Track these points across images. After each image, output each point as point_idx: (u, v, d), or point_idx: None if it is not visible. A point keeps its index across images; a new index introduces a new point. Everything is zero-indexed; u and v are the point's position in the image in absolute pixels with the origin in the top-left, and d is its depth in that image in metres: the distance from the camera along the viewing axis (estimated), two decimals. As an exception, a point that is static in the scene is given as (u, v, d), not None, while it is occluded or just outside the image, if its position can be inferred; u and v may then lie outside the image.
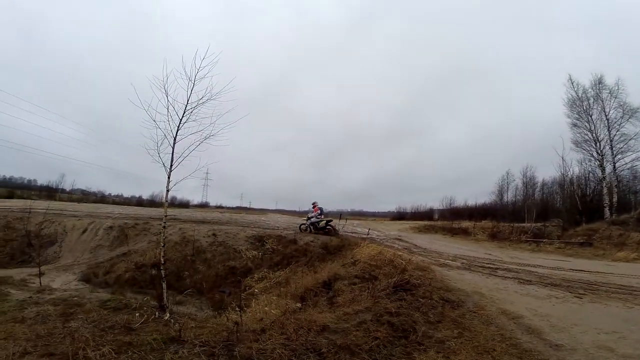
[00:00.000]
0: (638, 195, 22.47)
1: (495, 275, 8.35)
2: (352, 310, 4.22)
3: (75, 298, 5.70)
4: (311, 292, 6.27)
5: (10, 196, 30.21)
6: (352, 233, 15.15)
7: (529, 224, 20.86)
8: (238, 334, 3.56)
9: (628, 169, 20.88)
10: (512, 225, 19.93)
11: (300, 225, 15.06)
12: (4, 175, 46.55)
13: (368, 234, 14.70)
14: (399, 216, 44.59)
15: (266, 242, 11.10)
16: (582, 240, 15.33)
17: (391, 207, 54.34)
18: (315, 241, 11.30)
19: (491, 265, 9.80)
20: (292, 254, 10.30)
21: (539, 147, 48.09)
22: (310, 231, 13.84)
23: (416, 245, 13.81)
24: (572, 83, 21.97)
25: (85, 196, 45.11)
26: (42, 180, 46.36)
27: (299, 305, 5.57)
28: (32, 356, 2.97)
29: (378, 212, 56.49)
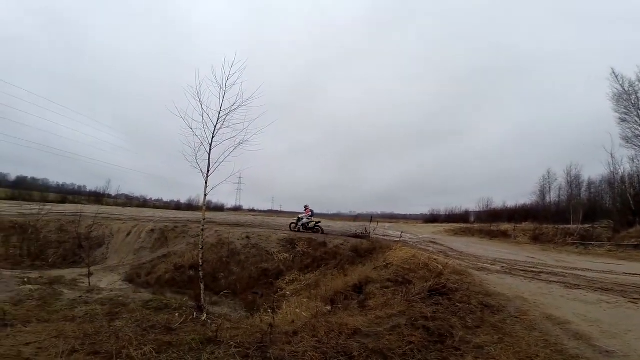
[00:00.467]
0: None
1: (539, 279, 7.82)
2: (385, 314, 4.13)
3: (120, 298, 5.96)
4: (341, 295, 6.23)
5: (63, 201, 32.96)
6: (384, 236, 14.89)
7: (575, 226, 19.28)
8: (271, 336, 3.60)
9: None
10: (556, 227, 18.59)
11: (291, 224, 15.96)
12: (57, 182, 51.15)
13: (401, 237, 14.38)
14: (432, 218, 43.26)
15: (297, 245, 11.22)
16: (636, 243, 13.95)
17: (423, 209, 52.98)
18: (345, 244, 11.24)
19: (534, 269, 9.20)
20: (322, 256, 10.32)
21: (582, 144, 44.36)
22: (299, 230, 14.79)
23: (452, 249, 13.29)
24: (617, 77, 20.13)
25: (129, 201, 48.19)
26: (90, 186, 50.16)
27: (329, 308, 5.55)
28: (79, 354, 3.12)
29: (410, 215, 55.16)
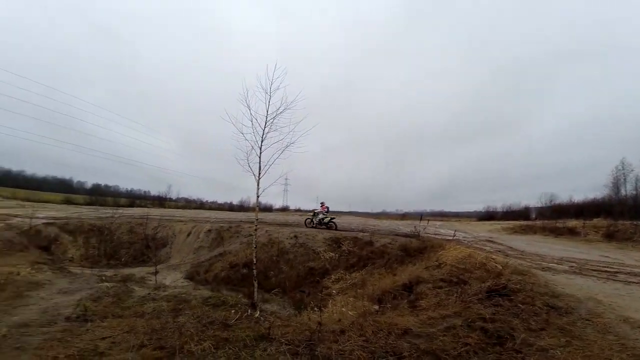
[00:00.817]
0: None
1: (615, 280, 6.96)
2: (438, 315, 3.96)
3: (183, 295, 6.32)
4: (389, 295, 6.10)
5: (132, 205, 36.53)
6: (435, 235, 14.28)
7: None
8: (319, 334, 3.65)
9: None
10: (635, 223, 16.34)
11: (306, 220, 16.93)
12: (126, 188, 57.20)
13: (454, 236, 13.69)
14: (488, 216, 40.39)
15: (342, 244, 11.21)
16: None
17: (477, 207, 49.78)
18: (393, 243, 10.97)
19: (609, 269, 8.21)
20: (368, 255, 10.19)
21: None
22: (314, 225, 15.65)
23: (511, 248, 12.32)
24: None
25: (187, 203, 51.98)
26: (154, 191, 55.23)
27: (376, 307, 5.47)
28: (147, 349, 3.39)
29: (462, 212, 52.29)
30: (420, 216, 18.00)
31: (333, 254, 10.68)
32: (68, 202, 34.32)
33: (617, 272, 7.71)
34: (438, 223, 24.67)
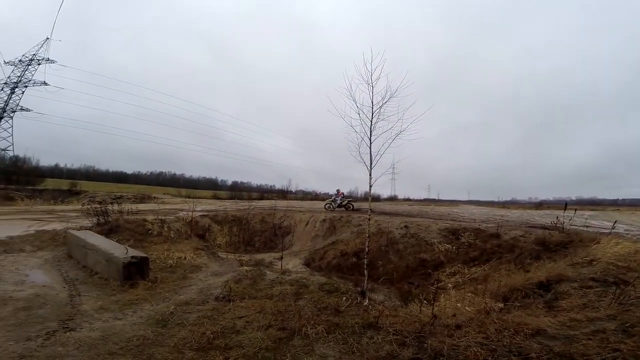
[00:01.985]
0: None
1: None
2: (584, 317, 3.22)
3: (303, 280, 6.73)
4: (519, 293, 5.27)
5: (261, 198, 42.22)
6: (584, 227, 11.58)
7: None
8: (432, 327, 3.47)
9: None
10: None
11: (325, 205, 20.28)
12: (256, 183, 67.11)
13: (613, 228, 10.82)
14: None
15: (461, 236, 10.24)
16: None
17: None
18: (527, 236, 9.42)
19: None
20: (494, 249, 9.01)
21: None
22: (333, 209, 19.19)
23: None
24: None
25: (304, 195, 56.89)
26: (278, 185, 62.90)
27: (500, 305, 4.82)
28: (273, 329, 3.74)
29: (622, 200, 40.55)
30: (565, 204, 14.74)
31: (449, 246, 9.92)
32: (215, 197, 42.12)
33: None
34: (588, 213, 19.76)
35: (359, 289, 6.18)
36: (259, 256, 12.19)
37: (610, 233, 9.02)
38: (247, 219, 17.03)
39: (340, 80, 6.49)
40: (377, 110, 6.08)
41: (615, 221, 12.75)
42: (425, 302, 5.43)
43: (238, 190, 52.12)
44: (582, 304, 3.79)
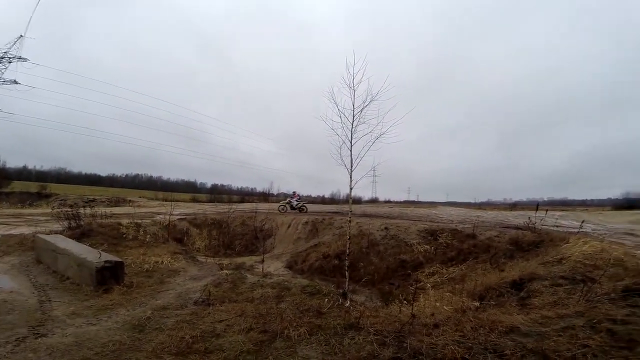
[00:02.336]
0: None
1: None
2: (555, 314, 3.38)
3: (285, 283, 6.64)
4: (494, 292, 5.47)
5: (242, 201, 41.77)
6: (555, 227, 12.15)
7: None
8: (411, 327, 3.54)
9: None
10: None
11: (279, 207, 20.85)
12: (237, 186, 66.29)
13: (581, 227, 11.41)
14: (628, 204, 32.34)
15: (439, 237, 10.50)
16: None
17: (611, 194, 40.21)
18: (501, 236, 9.77)
19: None
20: (470, 249, 9.29)
21: None
22: (287, 210, 19.84)
23: (665, 243, 9.58)
24: None
25: (285, 197, 56.73)
26: (259, 187, 62.36)
27: (476, 303, 4.98)
28: (254, 332, 3.71)
29: (591, 200, 42.91)
30: (537, 205, 15.43)
31: (428, 247, 10.13)
32: (194, 200, 41.22)
33: None
34: (558, 213, 20.80)
35: (341, 290, 6.20)
36: (239, 260, 12.00)
37: (578, 232, 9.52)
38: (227, 222, 16.73)
39: (325, 84, 6.54)
40: (358, 114, 6.18)
41: (583, 221, 13.48)
42: (405, 302, 5.52)
43: (218, 193, 51.25)
44: (552, 302, 3.97)
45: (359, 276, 9.08)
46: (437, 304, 5.32)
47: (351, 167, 6.24)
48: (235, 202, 34.83)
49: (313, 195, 63.31)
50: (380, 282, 8.70)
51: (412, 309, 4.47)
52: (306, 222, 15.41)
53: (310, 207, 26.21)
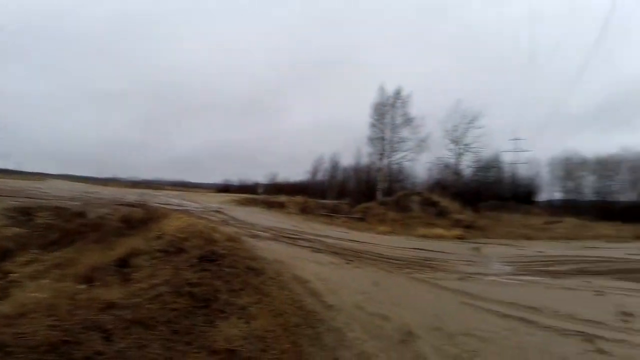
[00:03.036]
0: (400, 183, 31.41)
1: (296, 245, 9.75)
2: (148, 285, 3.95)
3: None
4: (102, 272, 5.39)
5: None
6: (165, 205, 13.94)
7: (330, 201, 25.48)
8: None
9: (397, 163, 30.02)
10: (317, 201, 23.72)
11: None
12: None
13: (181, 206, 13.94)
14: (225, 188, 44.03)
15: (37, 216, 8.62)
16: (359, 216, 20.06)
17: (218, 179, 52.83)
18: (115, 214, 9.68)
19: (294, 236, 11.35)
20: (79, 229, 8.40)
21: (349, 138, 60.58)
22: None
23: (234, 218, 14.20)
24: (383, 90, 29.78)
25: None
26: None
27: (83, 286, 4.72)
28: None
29: (204, 184, 53.59)
30: (156, 185, 16.94)
31: (19, 230, 7.96)
32: None
33: (298, 239, 10.75)
34: (174, 193, 24.22)
35: None
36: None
37: (179, 210, 11.58)
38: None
39: None
40: None
41: (185, 200, 16.50)
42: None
43: None
44: (150, 274, 4.58)
45: None
46: (36, 294, 4.41)
47: None
48: None
49: None
50: None
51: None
52: None
53: None
